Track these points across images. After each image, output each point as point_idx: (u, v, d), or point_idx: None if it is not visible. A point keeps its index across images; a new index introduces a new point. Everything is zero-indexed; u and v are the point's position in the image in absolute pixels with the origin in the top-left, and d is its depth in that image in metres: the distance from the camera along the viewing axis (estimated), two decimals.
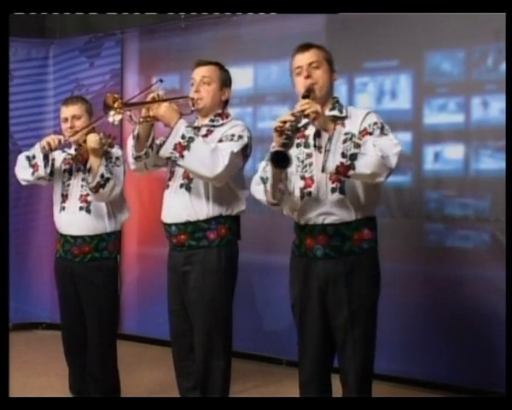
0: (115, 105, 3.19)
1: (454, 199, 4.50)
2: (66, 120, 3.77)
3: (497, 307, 4.15)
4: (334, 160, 2.74)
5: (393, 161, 2.78)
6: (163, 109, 3.21)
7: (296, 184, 2.99)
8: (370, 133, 2.88)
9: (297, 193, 2.99)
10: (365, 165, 2.73)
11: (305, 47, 3.03)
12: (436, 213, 4.58)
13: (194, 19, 5.51)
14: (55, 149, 3.71)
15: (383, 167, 2.76)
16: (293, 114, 2.76)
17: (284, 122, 2.74)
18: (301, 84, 2.98)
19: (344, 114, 2.99)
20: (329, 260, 2.95)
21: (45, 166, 3.68)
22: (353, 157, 2.72)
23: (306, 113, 2.77)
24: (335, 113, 2.99)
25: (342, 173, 2.78)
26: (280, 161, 2.67)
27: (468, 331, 4.37)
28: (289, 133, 2.69)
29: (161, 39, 5.77)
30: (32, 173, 3.72)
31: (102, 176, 3.57)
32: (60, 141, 3.67)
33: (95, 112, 3.87)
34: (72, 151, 3.78)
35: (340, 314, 2.95)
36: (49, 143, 3.65)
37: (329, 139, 2.77)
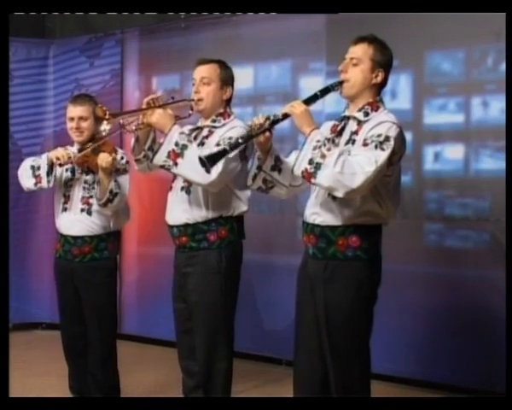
0: (106, 116, 3.14)
1: (454, 199, 4.50)
2: (72, 119, 3.73)
3: (496, 307, 4.15)
4: (301, 164, 2.75)
5: (357, 180, 2.68)
6: (156, 116, 3.16)
7: None
8: (366, 144, 2.77)
9: (313, 186, 2.97)
10: (324, 177, 2.70)
11: (356, 40, 2.94)
12: (436, 213, 4.58)
13: (194, 19, 5.51)
14: (64, 165, 3.67)
15: (338, 184, 2.68)
16: (267, 118, 2.88)
17: (256, 124, 2.87)
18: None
19: (365, 119, 2.87)
20: (316, 261, 2.93)
21: (48, 179, 3.63)
22: (317, 166, 2.70)
23: (284, 113, 2.84)
24: (359, 115, 2.90)
25: (307, 179, 2.77)
26: (204, 164, 2.91)
27: (468, 331, 4.37)
28: (240, 140, 2.90)
29: (161, 39, 5.77)
30: (35, 184, 3.66)
31: (111, 191, 3.57)
32: (69, 158, 3.62)
33: None
34: (73, 149, 3.76)
35: (319, 317, 2.91)
36: (58, 159, 3.60)
37: (303, 143, 2.77)
